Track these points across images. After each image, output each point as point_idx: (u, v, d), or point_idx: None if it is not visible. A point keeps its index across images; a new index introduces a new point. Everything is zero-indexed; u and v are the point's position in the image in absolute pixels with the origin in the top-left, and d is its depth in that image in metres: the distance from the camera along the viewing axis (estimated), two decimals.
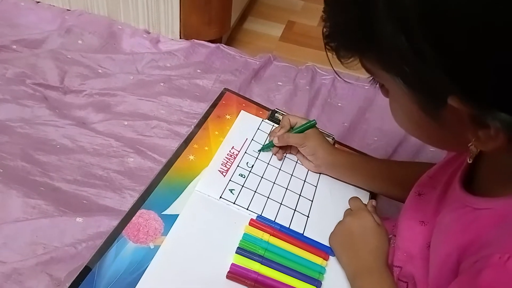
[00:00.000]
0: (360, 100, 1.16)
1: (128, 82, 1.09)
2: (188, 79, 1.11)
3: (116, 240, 0.57)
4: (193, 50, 1.21)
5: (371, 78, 0.45)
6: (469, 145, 0.40)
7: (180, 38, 1.25)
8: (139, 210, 0.61)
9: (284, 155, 0.76)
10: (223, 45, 1.24)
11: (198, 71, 1.15)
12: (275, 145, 0.74)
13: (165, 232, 0.59)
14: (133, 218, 0.60)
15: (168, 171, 0.66)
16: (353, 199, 0.68)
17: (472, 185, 0.48)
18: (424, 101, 0.38)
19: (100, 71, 1.13)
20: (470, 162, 0.44)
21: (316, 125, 0.75)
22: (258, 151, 0.75)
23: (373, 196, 0.76)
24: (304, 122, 0.75)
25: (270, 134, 0.78)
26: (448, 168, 0.56)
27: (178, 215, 0.61)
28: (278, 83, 1.16)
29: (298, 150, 0.75)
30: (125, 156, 0.91)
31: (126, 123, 0.98)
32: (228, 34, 1.36)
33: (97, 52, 1.17)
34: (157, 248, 0.57)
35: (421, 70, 0.35)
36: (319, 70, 1.22)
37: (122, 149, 0.92)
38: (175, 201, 0.63)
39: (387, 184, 0.72)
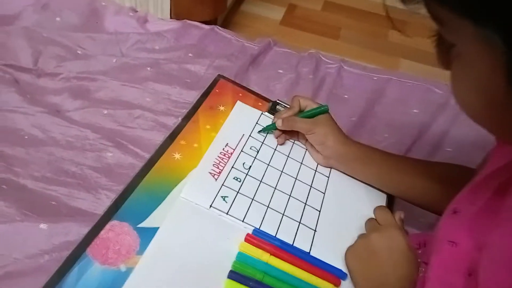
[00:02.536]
0: (368, 92, 1.05)
1: (110, 66, 0.97)
2: (178, 63, 0.99)
3: (78, 260, 0.46)
4: (184, 31, 1.09)
5: (435, 35, 0.34)
6: None
7: (171, 18, 1.13)
8: (109, 222, 0.49)
9: (287, 155, 0.65)
10: (218, 27, 1.12)
11: (190, 55, 1.03)
12: (278, 129, 0.65)
13: (141, 250, 0.48)
14: (102, 232, 0.49)
15: (147, 173, 0.55)
16: (381, 210, 0.56)
17: None
18: None
19: (79, 52, 1.01)
20: None
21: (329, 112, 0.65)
22: (259, 132, 0.66)
23: (390, 199, 0.66)
24: (316, 106, 0.64)
25: (276, 115, 0.67)
26: (491, 182, 0.45)
27: (158, 228, 0.50)
28: (279, 70, 1.04)
29: (307, 139, 0.65)
30: (102, 150, 0.79)
31: (105, 112, 0.86)
32: (224, 16, 1.24)
33: (77, 31, 1.05)
34: (130, 270, 0.46)
35: None
36: (323, 58, 1.11)
37: (100, 142, 0.80)
38: (154, 210, 0.51)
39: (410, 185, 0.62)
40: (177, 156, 0.58)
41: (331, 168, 0.66)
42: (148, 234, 0.49)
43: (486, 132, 0.98)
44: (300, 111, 0.66)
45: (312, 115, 0.64)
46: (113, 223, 0.49)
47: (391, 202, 0.67)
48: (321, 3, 1.44)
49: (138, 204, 0.51)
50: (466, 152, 0.96)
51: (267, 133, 0.67)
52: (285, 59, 1.08)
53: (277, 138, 0.66)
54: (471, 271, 0.43)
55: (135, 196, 0.52)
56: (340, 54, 1.18)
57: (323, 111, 0.64)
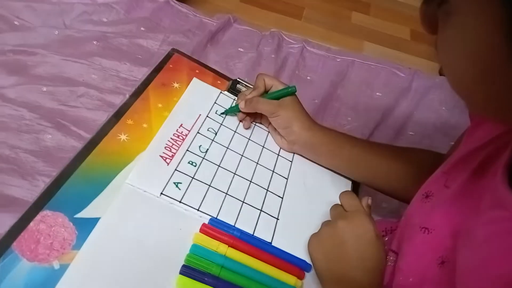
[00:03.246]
0: (331, 74, 1.02)
1: (52, 38, 0.87)
2: (128, 38, 0.91)
3: (2, 256, 0.39)
4: (136, 3, 1.00)
5: None
6: None
7: None
8: (40, 212, 0.42)
9: (248, 138, 0.59)
10: (174, 0, 1.03)
11: (142, 29, 0.95)
12: (241, 111, 0.60)
13: (78, 244, 0.41)
14: (31, 223, 0.42)
15: (87, 156, 0.48)
16: (347, 195, 0.51)
17: None
18: None
19: (16, 23, 0.90)
20: None
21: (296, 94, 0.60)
22: (220, 114, 0.61)
23: (355, 185, 0.63)
24: (282, 86, 0.59)
25: (239, 96, 0.62)
26: (468, 162, 0.42)
27: (99, 218, 0.44)
28: (239, 49, 0.98)
29: (270, 122, 0.60)
30: (41, 132, 0.70)
31: (45, 89, 0.77)
32: None
33: (14, 0, 0.94)
34: (64, 268, 0.40)
35: None
36: (285, 37, 1.06)
37: (38, 122, 0.71)
38: (95, 198, 0.45)
39: (377, 172, 0.59)
40: (123, 137, 0.51)
41: (294, 153, 0.61)
42: (86, 226, 0.43)
43: (448, 116, 0.97)
44: (266, 91, 0.61)
45: (278, 96, 0.59)
46: (44, 214, 0.42)
47: (356, 188, 0.63)
48: None
49: (76, 191, 0.45)
50: (428, 136, 0.95)
51: (225, 116, 0.61)
52: (245, 37, 1.02)
53: (241, 121, 0.61)
54: (444, 259, 0.40)
55: (72, 182, 0.45)
56: (303, 34, 1.13)
57: (290, 92, 0.59)
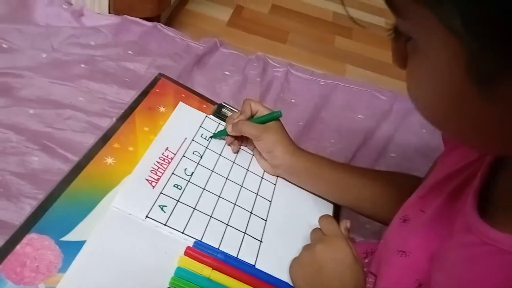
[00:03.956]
0: (315, 97, 1.04)
1: (39, 61, 0.89)
2: (116, 61, 0.92)
3: None
4: (124, 27, 1.02)
5: (391, 29, 0.31)
6: None
7: (110, 13, 1.05)
8: (27, 235, 0.43)
9: (233, 161, 0.61)
10: (161, 24, 1.06)
11: (130, 52, 0.96)
12: (229, 134, 0.61)
13: (64, 267, 0.42)
14: (17, 246, 0.42)
15: (74, 179, 0.48)
16: (326, 219, 0.53)
17: (484, 213, 0.36)
18: (485, 65, 0.25)
19: (4, 45, 0.91)
20: None
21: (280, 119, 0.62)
22: (209, 137, 0.62)
23: (336, 207, 0.64)
24: (266, 111, 0.61)
25: (227, 120, 0.64)
26: (443, 187, 0.44)
27: (84, 241, 0.44)
28: (225, 72, 1.00)
29: (255, 145, 0.62)
30: (27, 154, 0.71)
31: (31, 111, 0.77)
32: (168, 14, 1.18)
33: (2, 22, 0.95)
34: None
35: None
36: (270, 61, 1.09)
37: (24, 144, 0.72)
38: (81, 221, 0.45)
39: (358, 196, 0.60)
40: (109, 160, 0.52)
41: (278, 177, 0.63)
42: (72, 249, 0.43)
43: (428, 138, 1.00)
44: (252, 115, 0.63)
45: (264, 121, 0.61)
46: (31, 237, 0.43)
47: (338, 210, 0.65)
48: (268, 6, 1.42)
49: (62, 214, 0.45)
50: (409, 158, 0.97)
51: (211, 140, 0.62)
52: (231, 60, 1.05)
53: (229, 145, 0.62)
54: (421, 282, 0.41)
55: (58, 205, 0.46)
56: (288, 58, 1.16)
57: (275, 117, 0.61)
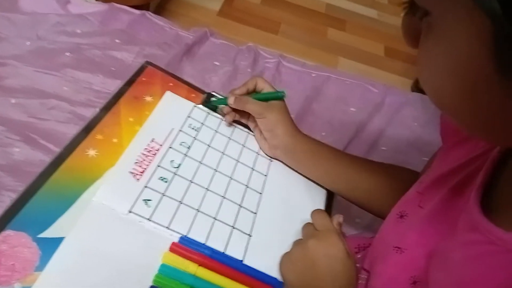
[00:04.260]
0: (307, 89, 1.02)
1: (24, 49, 0.86)
2: (102, 50, 0.90)
3: None
4: (112, 15, 0.99)
5: (405, 2, 0.29)
6: None
7: (97, 0, 1.02)
8: (2, 232, 0.41)
9: (222, 152, 0.59)
10: (150, 13, 1.03)
11: (117, 41, 0.94)
12: (228, 105, 0.61)
13: (42, 265, 0.40)
14: None
15: (54, 172, 0.46)
16: (318, 214, 0.52)
17: (487, 211, 0.35)
18: (509, 52, 0.22)
19: None
20: None
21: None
22: (206, 105, 0.63)
23: (328, 201, 0.63)
24: (273, 90, 0.61)
25: (230, 92, 0.63)
26: (443, 183, 0.42)
27: (63, 238, 0.42)
28: (215, 62, 0.97)
29: (256, 124, 0.61)
30: (9, 145, 0.68)
31: (13, 101, 0.75)
32: (157, 3, 1.15)
33: None
34: None
35: None
36: (262, 52, 1.06)
37: (6, 135, 0.69)
38: (61, 217, 0.43)
39: (355, 184, 0.60)
40: (91, 152, 0.50)
41: (276, 159, 0.63)
42: (51, 246, 0.41)
43: (420, 132, 0.99)
44: (256, 92, 0.62)
45: (266, 98, 0.60)
46: (7, 234, 0.41)
47: (329, 203, 0.63)
48: None
49: (40, 209, 0.43)
50: (401, 151, 0.96)
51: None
52: (222, 51, 1.02)
53: (225, 115, 0.62)
54: (416, 279, 0.40)
55: (37, 200, 0.43)
56: (279, 49, 1.14)
57: (278, 96, 0.61)
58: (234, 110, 0.62)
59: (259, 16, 1.30)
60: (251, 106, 0.59)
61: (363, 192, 0.60)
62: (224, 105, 0.62)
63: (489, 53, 0.23)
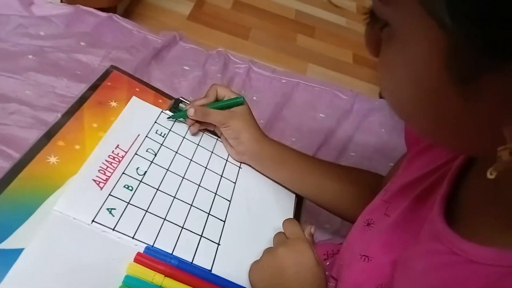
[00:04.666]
0: (277, 95, 1.03)
1: None
2: (67, 53, 0.87)
3: None
4: (77, 17, 0.96)
5: (367, 13, 0.29)
6: (499, 148, 0.25)
7: (62, 2, 0.99)
8: None
9: (191, 159, 0.58)
10: (117, 16, 1.01)
11: (82, 44, 0.91)
12: (189, 117, 0.60)
13: None
14: None
15: (12, 181, 0.44)
16: (289, 222, 0.52)
17: (452, 220, 0.35)
18: (467, 60, 0.23)
19: None
20: (492, 177, 0.26)
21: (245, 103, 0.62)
22: (168, 118, 0.60)
23: (298, 207, 0.63)
24: (234, 96, 0.60)
25: (190, 103, 0.62)
26: (409, 191, 0.43)
27: (22, 249, 0.40)
28: (184, 67, 0.96)
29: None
30: None
31: None
32: (125, 5, 1.13)
33: None
34: None
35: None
36: (232, 57, 1.06)
37: None
38: (19, 227, 0.41)
39: (322, 188, 0.60)
40: (53, 159, 0.48)
41: (244, 163, 0.62)
42: (8, 258, 0.39)
43: (387, 138, 1.00)
44: (217, 100, 0.61)
45: (226, 106, 0.59)
46: None
47: (299, 208, 0.64)
48: (230, 2, 1.39)
49: None
50: (368, 157, 0.97)
51: (167, 135, 0.59)
52: (191, 55, 1.01)
53: (190, 126, 0.61)
54: (382, 286, 0.40)
55: None
56: (249, 54, 1.14)
57: (237, 103, 0.60)
58: (198, 120, 0.61)
59: (229, 21, 1.29)
60: (213, 116, 0.58)
61: (330, 196, 0.61)
62: (186, 118, 0.61)
63: (443, 63, 0.24)
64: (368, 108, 1.06)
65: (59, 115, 0.53)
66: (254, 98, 1.00)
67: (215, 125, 0.62)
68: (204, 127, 0.62)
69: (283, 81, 1.07)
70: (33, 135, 0.69)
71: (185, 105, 0.65)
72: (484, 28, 0.21)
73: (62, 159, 0.48)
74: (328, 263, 0.54)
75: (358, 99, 1.07)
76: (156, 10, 1.22)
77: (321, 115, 1.02)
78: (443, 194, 0.36)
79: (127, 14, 1.15)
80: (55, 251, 0.41)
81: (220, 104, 0.60)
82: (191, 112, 0.58)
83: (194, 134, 0.61)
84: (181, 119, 0.61)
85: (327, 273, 0.48)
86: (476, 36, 0.22)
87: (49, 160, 0.48)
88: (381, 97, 1.23)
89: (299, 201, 0.64)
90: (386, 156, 0.98)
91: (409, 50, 0.26)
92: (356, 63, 1.38)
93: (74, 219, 0.44)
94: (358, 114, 1.05)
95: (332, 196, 0.59)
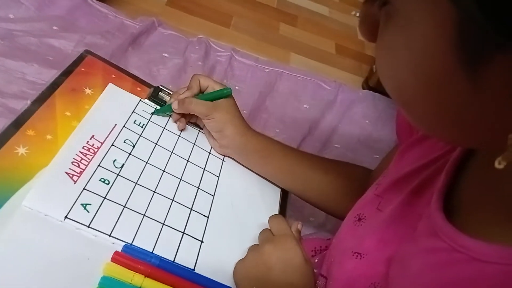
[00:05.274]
0: (260, 85, 1.00)
1: None
2: (38, 37, 0.82)
3: None
4: (50, 0, 0.91)
5: None
6: (510, 136, 0.23)
7: None
8: None
9: (172, 151, 0.54)
10: None
11: (55, 28, 0.86)
12: (174, 111, 0.56)
13: None
14: None
15: None
16: (276, 219, 0.49)
17: (450, 215, 0.33)
18: (478, 39, 0.21)
19: None
20: (501, 167, 0.23)
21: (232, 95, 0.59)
22: (151, 113, 0.57)
23: (283, 203, 0.61)
24: (218, 87, 0.57)
25: (172, 95, 0.59)
26: (403, 185, 0.41)
27: None
28: (164, 54, 0.92)
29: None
30: None
31: None
32: None
33: None
34: None
35: None
36: (213, 45, 1.02)
37: None
38: None
39: (308, 182, 0.58)
40: (21, 150, 0.44)
41: (227, 156, 0.60)
42: None
43: (371, 129, 0.99)
44: (201, 92, 0.58)
45: (212, 98, 0.56)
46: None
47: (284, 202, 0.61)
48: None
49: None
50: (352, 149, 0.96)
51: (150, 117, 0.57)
52: (171, 42, 0.97)
53: (176, 121, 0.58)
54: (376, 285, 0.38)
55: None
56: (231, 42, 1.10)
57: (225, 94, 0.56)
58: (182, 114, 0.58)
59: (210, 8, 1.25)
60: (196, 107, 0.55)
61: (316, 190, 0.59)
62: (170, 113, 0.58)
63: (453, 43, 0.22)
64: (351, 99, 1.05)
65: (29, 102, 0.49)
66: (237, 87, 0.97)
67: (197, 117, 0.59)
68: (187, 119, 0.59)
69: (266, 70, 1.04)
70: (1, 124, 0.65)
71: (165, 93, 0.62)
72: (493, 2, 0.19)
73: (32, 149, 0.44)
74: (316, 260, 0.52)
75: (342, 89, 1.06)
76: None
77: (305, 105, 1.00)
78: (440, 188, 0.34)
79: None
80: (24, 250, 0.38)
81: (207, 96, 0.56)
82: (175, 105, 0.56)
83: (182, 130, 0.58)
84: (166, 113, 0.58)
85: (315, 270, 0.46)
86: (490, 9, 0.19)
87: (17, 151, 0.44)
88: (364, 88, 1.22)
89: (284, 196, 0.62)
90: (371, 148, 0.97)
91: (412, 29, 0.23)
92: (338, 53, 1.36)
93: (45, 215, 0.40)
94: (342, 105, 1.03)
95: (319, 191, 0.57)
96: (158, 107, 0.59)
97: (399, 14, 0.24)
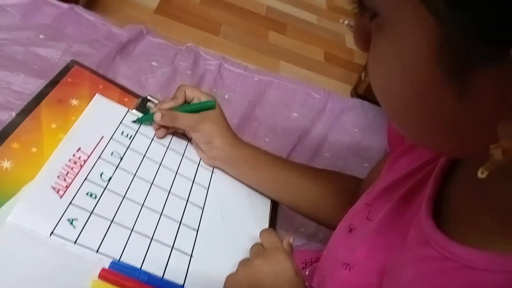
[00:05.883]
0: (249, 93, 0.99)
1: None
2: (25, 46, 0.80)
3: None
4: (35, 8, 0.89)
5: (356, 2, 0.27)
6: (492, 146, 0.23)
7: None
8: None
9: (160, 163, 0.54)
10: (80, 7, 0.94)
11: (41, 36, 0.84)
12: (156, 123, 0.55)
13: None
14: None
15: None
16: (266, 232, 0.49)
17: (440, 222, 0.33)
18: (461, 51, 0.21)
19: None
20: (483, 176, 0.24)
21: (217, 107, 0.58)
22: (133, 121, 0.56)
23: (274, 205, 0.60)
24: (205, 98, 0.56)
25: (156, 105, 0.58)
26: (391, 193, 0.41)
27: None
28: (152, 63, 0.91)
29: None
30: None
31: None
32: None
33: None
34: None
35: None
36: (202, 53, 1.02)
37: None
38: None
39: (299, 193, 0.58)
40: (6, 164, 0.43)
41: (216, 167, 0.59)
42: None
43: (360, 138, 1.00)
44: (186, 102, 0.57)
45: (197, 109, 0.55)
46: None
47: (274, 213, 0.61)
48: None
49: None
50: (342, 157, 0.96)
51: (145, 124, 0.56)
52: (160, 50, 0.96)
53: (156, 131, 0.57)
54: None
55: None
56: (220, 50, 1.10)
57: (208, 106, 0.56)
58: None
59: (199, 16, 1.25)
60: (182, 120, 0.55)
61: (307, 201, 0.58)
62: (152, 121, 0.57)
63: (435, 54, 0.22)
64: (341, 108, 1.05)
65: (14, 114, 0.48)
66: (226, 96, 0.96)
67: (184, 129, 0.58)
68: (172, 130, 0.58)
69: (256, 79, 1.04)
70: None
71: (153, 104, 0.61)
72: (479, 14, 0.19)
73: (16, 163, 0.43)
74: (307, 272, 0.51)
75: (331, 98, 1.06)
76: (122, 2, 1.16)
77: (294, 114, 1.00)
78: (429, 194, 0.34)
79: (90, 5, 1.08)
80: (8, 267, 0.37)
81: (190, 108, 0.56)
82: (157, 117, 0.54)
83: (161, 138, 0.57)
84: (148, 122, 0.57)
85: (306, 283, 0.46)
86: (471, 23, 0.20)
87: (1, 165, 0.43)
88: (353, 96, 1.22)
89: (275, 207, 0.62)
90: (360, 156, 0.97)
91: (399, 41, 0.24)
92: (327, 61, 1.37)
93: (31, 231, 0.39)
94: (331, 114, 1.03)
95: (310, 201, 0.57)
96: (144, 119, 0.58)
97: (389, 26, 0.24)
